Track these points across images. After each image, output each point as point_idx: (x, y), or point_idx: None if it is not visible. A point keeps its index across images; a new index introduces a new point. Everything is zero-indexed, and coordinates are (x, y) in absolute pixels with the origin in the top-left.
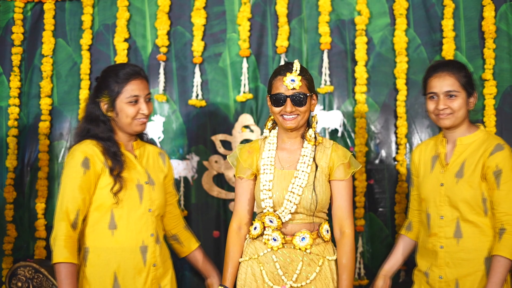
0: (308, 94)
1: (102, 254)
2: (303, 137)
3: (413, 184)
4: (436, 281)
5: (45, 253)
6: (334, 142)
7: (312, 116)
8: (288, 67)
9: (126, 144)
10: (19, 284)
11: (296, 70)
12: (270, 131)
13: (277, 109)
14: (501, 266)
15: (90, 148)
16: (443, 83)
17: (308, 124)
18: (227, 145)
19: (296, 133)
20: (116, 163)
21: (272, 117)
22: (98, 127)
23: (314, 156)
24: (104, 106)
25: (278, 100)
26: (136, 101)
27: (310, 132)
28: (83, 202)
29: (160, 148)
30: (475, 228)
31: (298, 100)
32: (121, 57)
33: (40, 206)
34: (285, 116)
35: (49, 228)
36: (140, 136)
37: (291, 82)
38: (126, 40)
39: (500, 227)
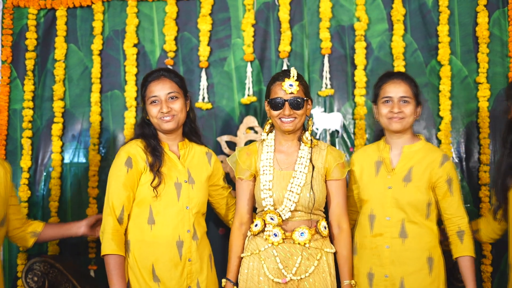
0: (305, 99)
1: (142, 247)
2: (299, 139)
3: (350, 187)
4: (381, 280)
5: (59, 250)
6: (329, 144)
7: (308, 120)
8: (286, 73)
9: (171, 144)
10: (35, 278)
11: (293, 76)
12: (267, 134)
13: (275, 113)
14: (471, 265)
15: (133, 148)
16: (399, 89)
17: (304, 127)
18: (232, 146)
19: (293, 135)
20: (155, 158)
21: (270, 121)
22: (144, 128)
23: (311, 158)
24: (144, 111)
25: (277, 104)
26: (156, 101)
27: (307, 134)
28: (128, 199)
29: (207, 147)
30: (419, 229)
31: (296, 103)
32: (130, 62)
33: (53, 205)
34: (283, 119)
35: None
36: (189, 136)
37: (289, 87)
38: (135, 45)
39: (457, 230)
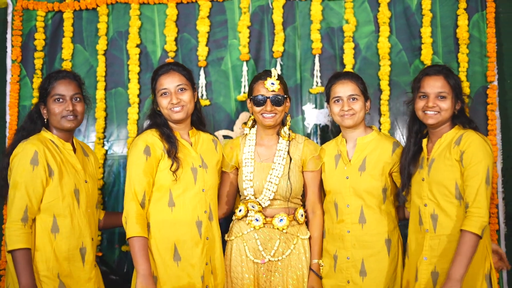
0: (285, 96)
1: (162, 229)
2: (278, 134)
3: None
4: (344, 262)
5: None
6: (306, 138)
7: (286, 116)
8: (267, 73)
9: (182, 133)
10: None
11: (275, 76)
12: (250, 129)
13: (258, 109)
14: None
15: (150, 137)
16: (347, 88)
17: (283, 123)
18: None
19: (273, 130)
20: (171, 145)
21: (252, 117)
22: (156, 118)
23: (288, 150)
24: (154, 102)
25: (259, 101)
26: (166, 93)
27: (285, 129)
28: (148, 184)
29: (212, 135)
30: (376, 214)
31: (277, 100)
32: (133, 61)
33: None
34: (264, 114)
35: None
36: (196, 125)
37: (271, 85)
38: (137, 45)
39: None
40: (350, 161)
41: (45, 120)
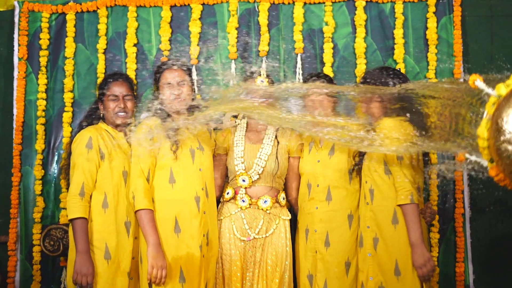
0: None
1: (164, 204)
2: None
3: None
4: (312, 234)
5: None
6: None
7: None
8: (257, 72)
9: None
10: (51, 242)
11: (263, 74)
12: (241, 120)
13: None
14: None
15: (153, 123)
16: (122, 88)
17: None
18: None
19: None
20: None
21: None
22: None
23: (276, 135)
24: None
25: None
26: (170, 85)
27: None
28: (152, 163)
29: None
30: (342, 193)
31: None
32: (130, 59)
33: (63, 183)
34: None
35: None
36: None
37: (260, 83)
38: (135, 45)
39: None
40: (321, 147)
41: (102, 115)
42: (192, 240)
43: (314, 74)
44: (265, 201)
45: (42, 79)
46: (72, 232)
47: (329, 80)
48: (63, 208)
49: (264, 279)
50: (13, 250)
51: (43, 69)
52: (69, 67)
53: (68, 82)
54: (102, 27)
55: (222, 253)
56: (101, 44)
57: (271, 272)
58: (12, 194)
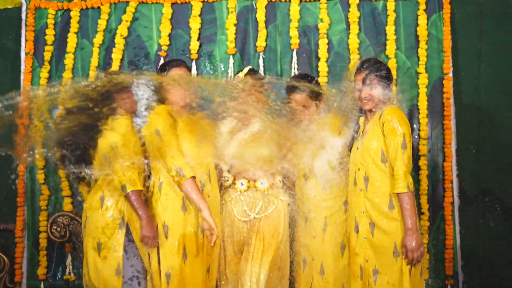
0: None
1: (173, 185)
2: None
3: None
4: (312, 220)
5: (71, 208)
6: None
7: None
8: (251, 69)
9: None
10: (58, 229)
11: (245, 70)
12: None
13: None
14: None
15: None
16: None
17: None
18: None
19: None
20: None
21: None
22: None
23: None
24: None
25: None
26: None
27: None
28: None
29: None
30: (333, 182)
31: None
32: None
33: (61, 172)
34: None
35: (72, 187)
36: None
37: (237, 77)
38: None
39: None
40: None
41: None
42: (197, 221)
43: (297, 75)
44: (262, 182)
45: (44, 73)
46: (131, 203)
47: (304, 77)
48: (67, 196)
49: (261, 240)
50: (20, 237)
51: (47, 64)
52: (68, 61)
53: (67, 76)
54: (104, 23)
55: (224, 235)
56: (97, 39)
57: (268, 240)
58: (18, 183)
